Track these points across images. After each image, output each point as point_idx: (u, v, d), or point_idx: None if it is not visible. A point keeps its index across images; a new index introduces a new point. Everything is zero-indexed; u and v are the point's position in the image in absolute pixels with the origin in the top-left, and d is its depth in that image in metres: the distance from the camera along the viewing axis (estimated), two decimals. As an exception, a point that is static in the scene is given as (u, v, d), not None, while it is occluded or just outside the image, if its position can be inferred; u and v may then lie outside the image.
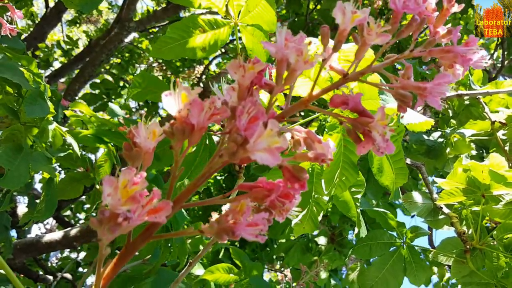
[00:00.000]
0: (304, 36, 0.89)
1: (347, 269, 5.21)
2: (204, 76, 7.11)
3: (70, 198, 2.82)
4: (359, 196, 2.02)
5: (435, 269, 4.64)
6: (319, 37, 0.97)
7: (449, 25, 0.88)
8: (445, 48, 0.91)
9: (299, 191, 0.91)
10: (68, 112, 2.61)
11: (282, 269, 5.63)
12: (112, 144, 2.59)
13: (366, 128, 0.88)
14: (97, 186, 2.78)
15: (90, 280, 6.91)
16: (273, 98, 0.89)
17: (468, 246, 2.28)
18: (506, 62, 4.82)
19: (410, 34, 0.95)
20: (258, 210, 0.89)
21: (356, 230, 2.16)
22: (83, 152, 2.74)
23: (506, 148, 2.89)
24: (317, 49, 1.76)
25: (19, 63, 2.14)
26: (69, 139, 2.34)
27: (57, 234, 4.22)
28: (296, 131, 0.96)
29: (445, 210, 2.56)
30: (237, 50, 1.96)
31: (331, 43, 0.93)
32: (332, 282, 5.11)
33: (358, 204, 2.03)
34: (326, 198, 1.99)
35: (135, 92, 2.22)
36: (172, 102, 0.87)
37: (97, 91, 6.95)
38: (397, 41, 6.50)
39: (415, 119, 1.72)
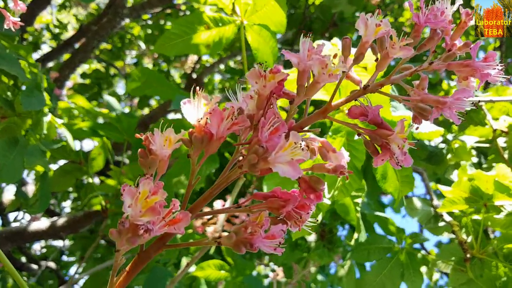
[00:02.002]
0: (323, 45, 0.88)
1: (336, 265, 5.23)
2: (197, 66, 7.04)
3: (62, 190, 2.79)
4: (359, 200, 2.00)
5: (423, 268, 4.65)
6: (331, 41, 0.97)
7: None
8: (464, 62, 0.91)
9: (315, 202, 0.91)
10: (63, 104, 2.58)
11: (271, 263, 5.63)
12: (107, 137, 2.57)
13: (385, 141, 0.88)
14: (90, 180, 2.75)
15: (73, 269, 6.87)
16: (292, 109, 0.88)
17: (468, 255, 2.28)
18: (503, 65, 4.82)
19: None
20: (274, 221, 0.88)
21: (356, 235, 2.14)
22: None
23: (505, 156, 2.89)
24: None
25: (15, 53, 2.11)
26: (64, 132, 2.31)
27: (44, 223, 4.17)
28: (311, 140, 0.95)
29: (447, 217, 2.56)
30: (243, 49, 1.94)
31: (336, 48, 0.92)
32: (319, 277, 5.13)
33: (359, 209, 2.02)
34: (326, 201, 1.98)
35: (134, 87, 2.20)
36: (191, 110, 0.86)
37: (87, 81, 6.87)
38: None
39: (426, 128, 1.71)
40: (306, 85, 0.86)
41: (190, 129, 0.86)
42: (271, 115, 0.80)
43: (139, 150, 0.88)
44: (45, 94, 2.09)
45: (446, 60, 0.91)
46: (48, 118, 2.19)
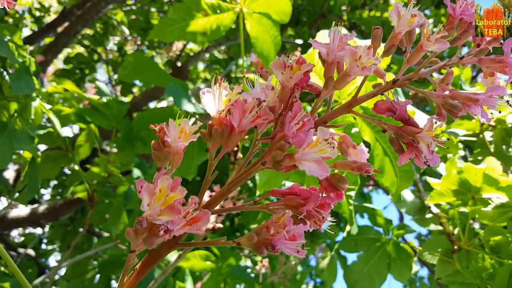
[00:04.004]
0: (353, 35, 0.83)
1: (316, 257, 5.23)
2: (183, 54, 6.93)
3: (47, 177, 2.71)
4: (352, 193, 1.95)
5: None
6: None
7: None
8: (497, 58, 0.87)
9: (335, 201, 0.86)
10: (50, 89, 2.49)
11: (251, 254, 5.61)
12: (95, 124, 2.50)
13: (411, 138, 0.83)
14: (76, 167, 2.67)
15: (54, 258, 6.78)
16: (318, 103, 0.83)
17: (456, 247, 2.29)
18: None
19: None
20: (294, 220, 0.83)
21: (348, 227, 2.11)
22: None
23: (491, 149, 2.91)
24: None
25: (2, 34, 2.02)
26: (52, 117, 2.24)
27: (24, 211, 4.09)
28: (331, 135, 0.90)
29: (434, 209, 2.58)
30: (241, 38, 1.88)
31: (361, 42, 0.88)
32: (299, 268, 5.13)
33: (351, 202, 1.97)
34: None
35: (126, 72, 2.14)
36: (211, 101, 0.81)
37: (68, 66, 6.72)
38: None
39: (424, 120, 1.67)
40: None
41: (210, 121, 0.81)
42: (298, 109, 0.75)
43: (153, 142, 0.83)
44: (34, 78, 2.01)
45: (478, 55, 0.87)
46: (37, 103, 2.11)
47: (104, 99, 2.39)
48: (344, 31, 0.90)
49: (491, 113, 0.87)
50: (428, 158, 0.82)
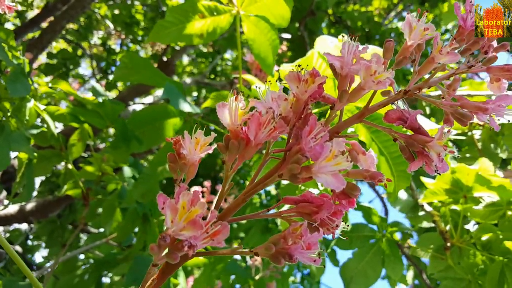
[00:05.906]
0: (366, 48, 0.84)
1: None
2: (168, 48, 6.88)
3: (39, 176, 2.70)
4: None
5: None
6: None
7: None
8: (505, 67, 0.89)
9: (347, 208, 0.88)
10: (44, 89, 2.47)
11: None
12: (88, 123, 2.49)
13: (421, 147, 0.85)
14: (69, 166, 2.66)
15: (39, 254, 6.73)
16: (332, 114, 0.84)
17: (448, 244, 2.35)
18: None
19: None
20: (309, 228, 0.84)
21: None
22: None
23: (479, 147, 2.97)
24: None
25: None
26: (46, 118, 2.23)
27: (12, 208, 4.07)
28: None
29: (427, 208, 2.64)
30: (238, 41, 1.89)
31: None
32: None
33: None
34: (313, 190, 1.96)
35: (121, 73, 2.14)
36: (227, 114, 0.82)
37: (51, 61, 6.66)
38: (366, 30, 6.49)
39: (426, 126, 1.69)
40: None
41: (226, 134, 0.82)
42: (314, 123, 0.76)
43: (169, 154, 0.84)
44: (29, 80, 2.00)
45: (487, 64, 0.88)
46: (31, 104, 2.10)
47: (100, 99, 2.38)
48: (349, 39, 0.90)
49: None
50: (439, 166, 0.84)
